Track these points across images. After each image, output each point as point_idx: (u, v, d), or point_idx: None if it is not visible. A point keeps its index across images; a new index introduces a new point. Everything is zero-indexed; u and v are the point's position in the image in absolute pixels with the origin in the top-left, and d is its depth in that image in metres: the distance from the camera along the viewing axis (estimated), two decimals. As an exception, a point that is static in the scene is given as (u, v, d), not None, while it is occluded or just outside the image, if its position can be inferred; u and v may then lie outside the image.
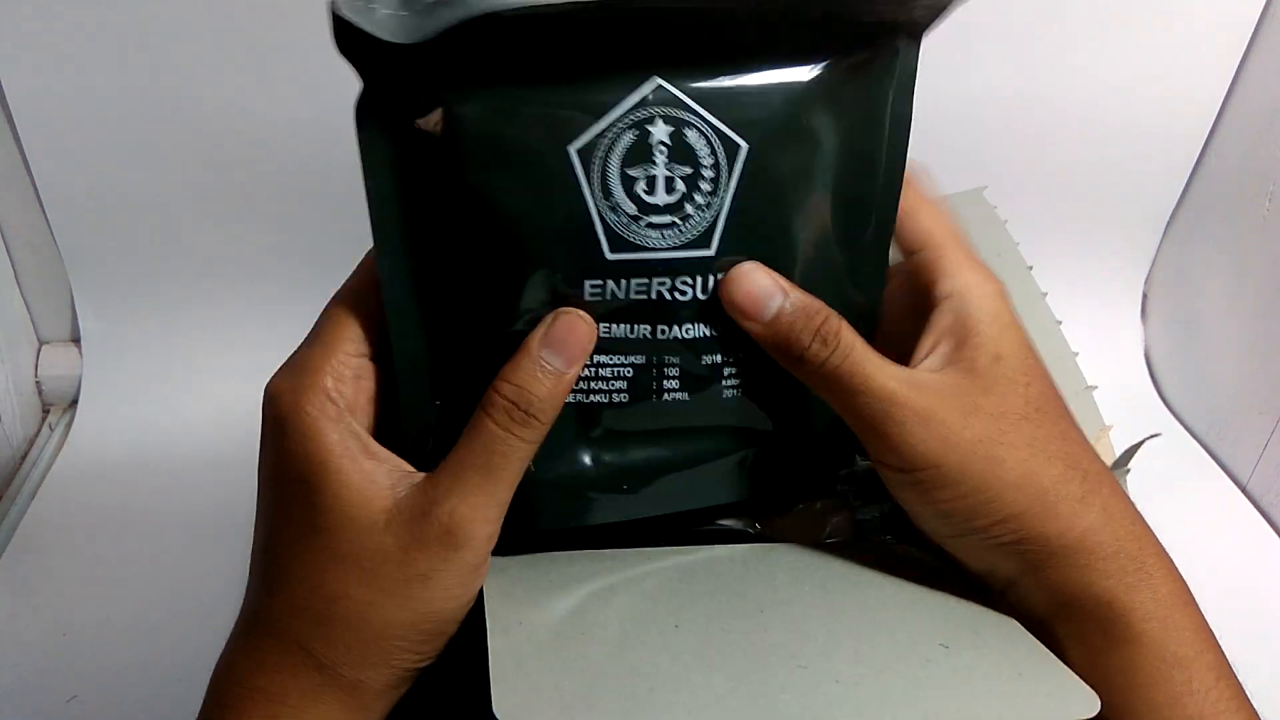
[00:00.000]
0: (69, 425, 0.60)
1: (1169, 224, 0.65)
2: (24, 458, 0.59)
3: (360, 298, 0.29)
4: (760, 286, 0.29)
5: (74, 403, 0.62)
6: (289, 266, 0.62)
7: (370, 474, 0.27)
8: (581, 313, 0.28)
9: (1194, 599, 0.29)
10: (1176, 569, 0.30)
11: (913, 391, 0.28)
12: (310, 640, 0.27)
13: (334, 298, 0.29)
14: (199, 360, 0.62)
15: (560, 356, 0.28)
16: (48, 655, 0.46)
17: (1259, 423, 0.55)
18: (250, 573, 0.29)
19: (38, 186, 0.58)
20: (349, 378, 0.28)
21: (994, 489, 0.28)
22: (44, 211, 0.59)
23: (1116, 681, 0.28)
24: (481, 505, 0.27)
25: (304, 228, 0.61)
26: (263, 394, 0.28)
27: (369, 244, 0.28)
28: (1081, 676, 0.28)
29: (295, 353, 0.29)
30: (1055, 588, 0.29)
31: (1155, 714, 0.28)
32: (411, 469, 0.28)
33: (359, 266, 0.29)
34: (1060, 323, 0.53)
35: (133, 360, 0.62)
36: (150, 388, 0.61)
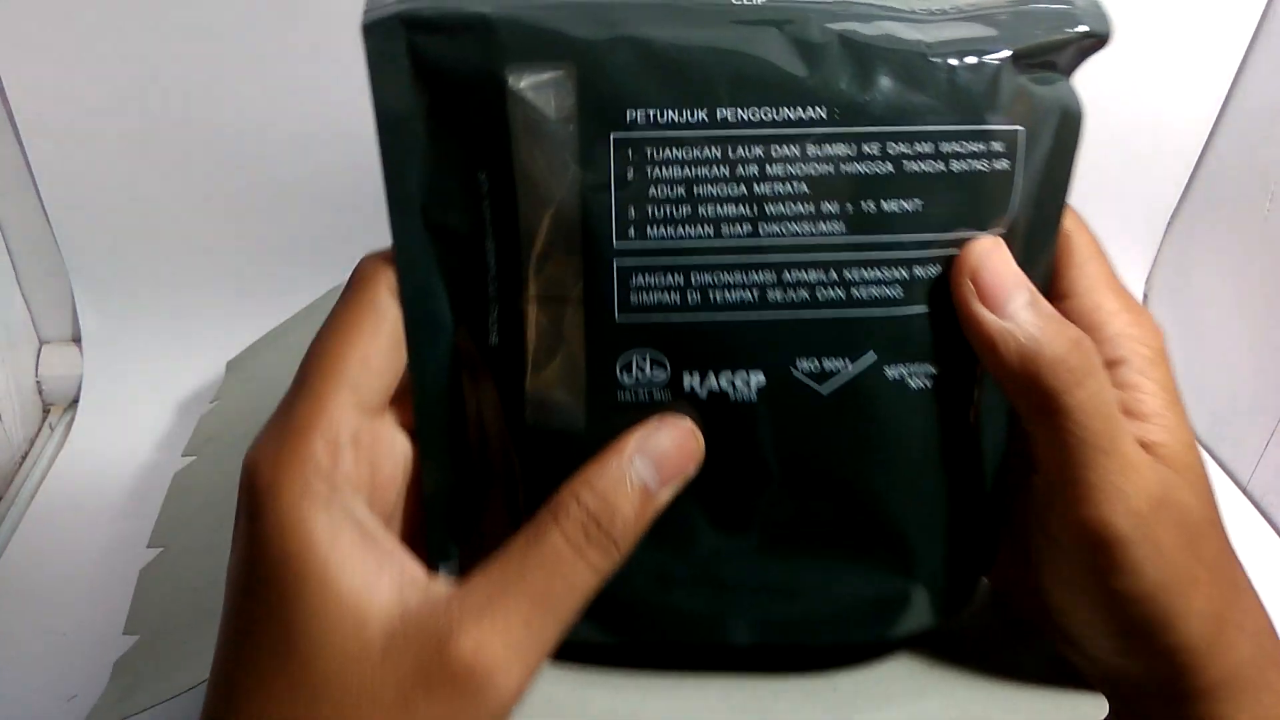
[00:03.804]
0: (69, 425, 0.60)
1: (1169, 224, 0.65)
2: (24, 458, 0.59)
3: (358, 325, 0.22)
4: (1005, 272, 0.23)
5: (74, 403, 0.62)
6: (291, 267, 0.62)
7: (368, 580, 0.20)
8: (694, 427, 0.23)
9: None
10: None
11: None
12: None
13: (323, 328, 0.22)
14: (199, 361, 0.62)
15: (656, 470, 0.22)
16: (48, 655, 0.46)
17: (1259, 423, 0.55)
18: (209, 682, 0.22)
19: (38, 186, 0.58)
20: (346, 442, 0.21)
21: (1180, 619, 0.23)
22: (44, 211, 0.59)
23: None
24: (522, 646, 0.20)
25: (306, 228, 0.61)
26: (242, 463, 0.21)
27: (371, 246, 0.28)
28: None
29: (280, 404, 0.22)
30: (1186, 715, 0.24)
31: None
32: (426, 572, 0.21)
33: (352, 284, 0.23)
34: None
35: (133, 360, 0.62)
36: (150, 388, 0.61)
